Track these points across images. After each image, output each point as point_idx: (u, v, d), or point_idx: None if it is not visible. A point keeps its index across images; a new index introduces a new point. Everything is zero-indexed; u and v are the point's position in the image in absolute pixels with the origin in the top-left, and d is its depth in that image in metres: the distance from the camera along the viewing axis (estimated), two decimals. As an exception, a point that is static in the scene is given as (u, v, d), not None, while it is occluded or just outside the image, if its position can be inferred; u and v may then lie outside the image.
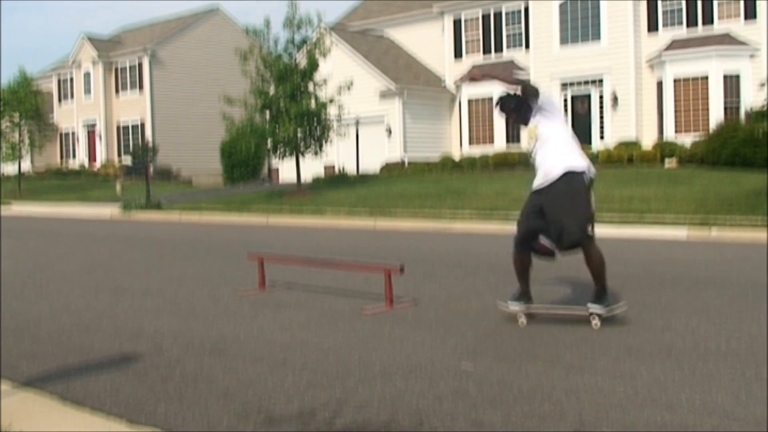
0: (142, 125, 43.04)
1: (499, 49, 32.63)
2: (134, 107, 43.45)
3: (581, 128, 30.13)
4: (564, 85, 30.50)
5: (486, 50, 32.99)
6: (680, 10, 28.25)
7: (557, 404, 4.04)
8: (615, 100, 29.09)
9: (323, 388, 4.48)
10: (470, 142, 32.17)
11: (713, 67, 26.79)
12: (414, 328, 6.12)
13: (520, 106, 6.25)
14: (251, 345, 5.68)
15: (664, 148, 26.51)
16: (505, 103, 6.42)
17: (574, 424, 3.73)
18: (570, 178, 5.89)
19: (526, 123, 6.27)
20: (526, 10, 31.43)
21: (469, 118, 32.33)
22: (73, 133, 47.12)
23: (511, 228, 15.03)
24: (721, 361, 4.84)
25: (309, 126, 24.18)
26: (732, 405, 3.98)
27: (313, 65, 24.13)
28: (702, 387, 4.29)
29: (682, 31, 28.18)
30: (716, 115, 26.29)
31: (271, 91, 24.11)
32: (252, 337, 5.94)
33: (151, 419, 4.03)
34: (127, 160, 41.78)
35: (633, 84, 28.87)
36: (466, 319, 6.47)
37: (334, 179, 28.63)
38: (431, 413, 3.97)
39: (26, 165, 39.84)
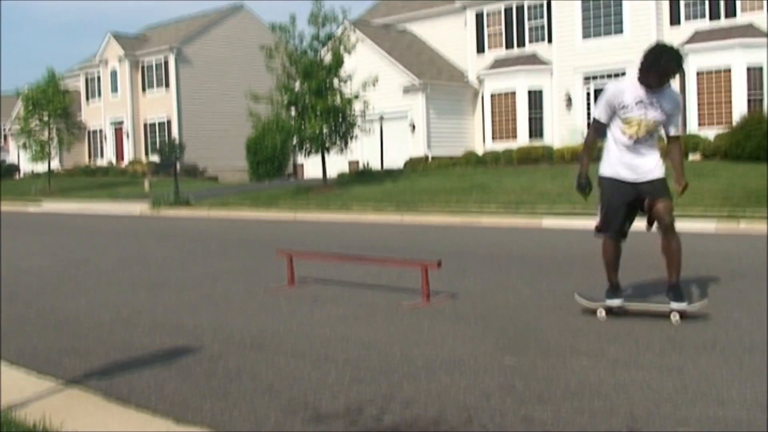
0: (169, 123, 43.34)
1: (521, 43, 32.50)
2: (161, 105, 43.73)
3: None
4: (587, 79, 30.37)
5: (508, 44, 32.86)
6: (703, 2, 28.03)
7: (607, 400, 4.01)
8: (639, 93, 28.88)
9: (368, 384, 4.46)
10: (493, 138, 32.06)
11: (736, 59, 26.52)
12: (453, 322, 6.11)
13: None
14: (291, 340, 5.69)
15: (688, 142, 26.27)
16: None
17: (626, 419, 3.70)
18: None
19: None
20: (549, 3, 31.29)
21: (492, 113, 32.21)
22: (100, 131, 47.53)
23: (538, 222, 15.07)
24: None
25: (335, 123, 24.21)
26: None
27: (338, 61, 24.13)
28: (752, 381, 4.24)
29: (704, 24, 27.94)
30: (740, 107, 26.05)
31: (297, 87, 24.15)
32: (291, 332, 5.94)
33: (198, 416, 4.01)
34: (155, 157, 42.05)
35: (657, 77, 28.61)
36: (504, 313, 6.45)
37: (359, 175, 28.65)
38: (479, 409, 3.94)
39: (55, 163, 40.21)
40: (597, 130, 6.14)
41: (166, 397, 4.36)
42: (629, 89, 5.86)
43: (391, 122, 31.96)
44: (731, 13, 27.42)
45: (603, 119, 6.01)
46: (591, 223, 14.77)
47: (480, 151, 31.43)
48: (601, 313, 6.03)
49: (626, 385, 4.24)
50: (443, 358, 4.99)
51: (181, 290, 8.22)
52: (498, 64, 32.51)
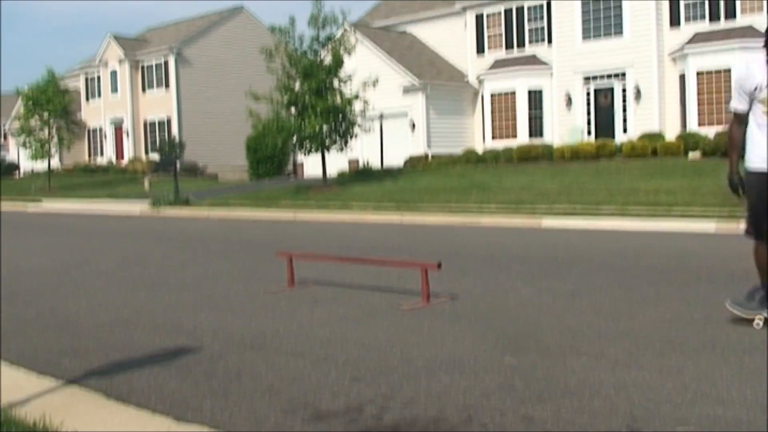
0: (169, 122, 43.38)
1: (521, 44, 32.52)
2: (160, 104, 43.76)
3: (604, 121, 30.04)
4: (587, 79, 30.39)
5: (508, 45, 32.90)
6: (702, 4, 28.07)
7: (607, 399, 4.01)
8: (638, 93, 28.93)
9: (368, 384, 4.46)
10: (493, 137, 32.09)
11: (736, 59, 26.50)
12: (453, 323, 6.10)
13: None
14: (291, 340, 5.68)
15: (688, 141, 26.32)
16: None
17: (626, 419, 3.70)
18: None
19: None
20: (548, 5, 31.32)
21: (492, 112, 32.24)
22: (100, 130, 47.58)
23: (538, 222, 15.08)
24: (768, 356, 4.80)
25: (334, 122, 24.23)
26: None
27: (338, 62, 24.15)
28: (752, 382, 4.24)
29: (704, 25, 27.97)
30: (740, 107, 26.06)
31: (296, 87, 24.16)
32: (291, 333, 5.94)
33: (198, 416, 4.02)
34: (155, 156, 42.08)
35: (656, 77, 28.68)
36: (504, 313, 6.45)
37: (359, 173, 28.66)
38: (479, 409, 3.94)
39: (55, 162, 40.23)
40: (739, 122, 5.56)
41: (165, 397, 4.36)
42: (760, 68, 5.38)
43: (391, 121, 31.98)
44: (731, 14, 27.45)
45: (741, 108, 5.50)
46: (590, 223, 14.82)
47: (480, 150, 31.47)
48: (759, 322, 5.57)
49: (626, 385, 4.24)
50: (443, 358, 4.98)
51: (181, 291, 8.22)
52: (498, 65, 32.53)
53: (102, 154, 47.55)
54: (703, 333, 5.46)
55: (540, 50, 31.83)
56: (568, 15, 30.50)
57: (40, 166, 39.60)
